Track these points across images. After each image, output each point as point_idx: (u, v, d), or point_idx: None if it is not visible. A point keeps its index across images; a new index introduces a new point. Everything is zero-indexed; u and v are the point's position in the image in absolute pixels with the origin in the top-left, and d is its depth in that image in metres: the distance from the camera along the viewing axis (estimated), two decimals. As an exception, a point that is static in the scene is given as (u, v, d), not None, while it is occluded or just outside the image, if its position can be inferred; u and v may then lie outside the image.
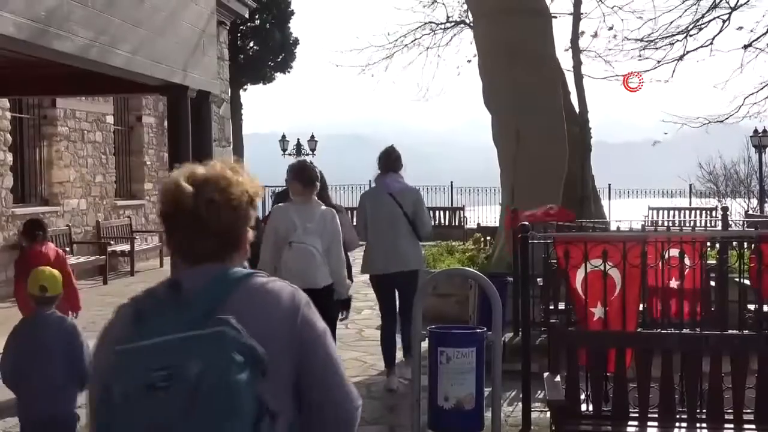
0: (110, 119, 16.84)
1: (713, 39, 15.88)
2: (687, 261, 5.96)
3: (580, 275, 5.74)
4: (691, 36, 15.80)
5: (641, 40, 16.02)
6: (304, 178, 6.18)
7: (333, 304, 6.15)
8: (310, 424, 2.04)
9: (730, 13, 15.72)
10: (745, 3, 15.72)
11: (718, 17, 15.75)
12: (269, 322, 1.96)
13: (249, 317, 1.88)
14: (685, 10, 15.82)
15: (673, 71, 16.21)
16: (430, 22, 21.06)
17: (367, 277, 7.86)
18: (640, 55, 16.22)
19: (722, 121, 16.58)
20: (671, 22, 15.92)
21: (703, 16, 15.68)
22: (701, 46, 15.96)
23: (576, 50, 17.24)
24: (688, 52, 15.81)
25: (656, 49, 16.05)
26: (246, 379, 1.77)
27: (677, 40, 15.90)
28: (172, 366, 1.76)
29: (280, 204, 6.41)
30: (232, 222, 2.05)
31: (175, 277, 2.10)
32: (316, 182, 6.21)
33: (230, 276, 2.01)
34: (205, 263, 2.04)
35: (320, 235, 6.03)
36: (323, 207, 6.25)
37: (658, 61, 16.02)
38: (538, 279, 7.87)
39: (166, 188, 2.06)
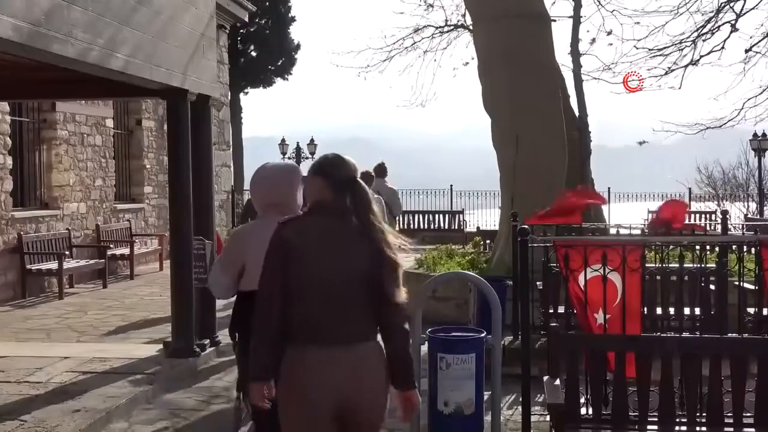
0: (110, 123, 16.83)
1: (724, 43, 15.85)
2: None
3: (581, 281, 5.73)
4: (704, 41, 15.76)
5: (650, 49, 15.98)
6: (363, 178, 9.86)
7: None
8: None
9: (736, 19, 15.70)
10: (751, 9, 15.71)
11: (726, 22, 15.72)
12: None
13: None
14: (691, 15, 15.80)
15: (682, 78, 16.17)
16: (429, 26, 21.05)
17: None
18: (649, 68, 16.16)
19: (720, 127, 16.56)
20: (682, 34, 15.86)
21: (708, 22, 15.66)
22: (712, 51, 15.92)
23: (576, 54, 17.25)
24: (702, 56, 15.76)
25: (665, 56, 16.00)
26: None
27: (686, 46, 15.87)
28: None
29: None
30: None
31: None
32: (368, 179, 9.91)
33: None
34: None
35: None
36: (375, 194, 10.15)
37: (669, 68, 15.97)
38: (538, 282, 7.87)
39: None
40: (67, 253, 14.26)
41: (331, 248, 3.52)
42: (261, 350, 3.50)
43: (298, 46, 34.34)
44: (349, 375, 3.46)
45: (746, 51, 16.07)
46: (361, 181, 3.68)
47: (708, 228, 17.61)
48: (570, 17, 17.73)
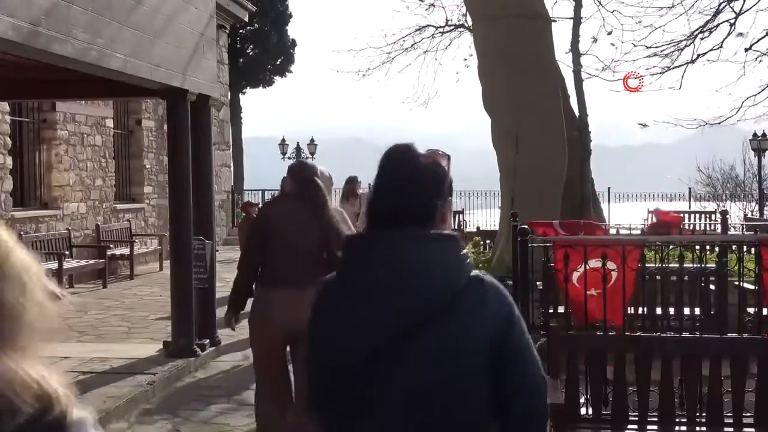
0: (110, 123, 16.83)
1: (722, 42, 15.83)
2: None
3: (576, 275, 5.75)
4: (703, 39, 15.75)
5: (649, 47, 15.97)
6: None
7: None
8: None
9: (736, 18, 15.69)
10: (750, 8, 15.70)
11: (725, 21, 15.71)
12: None
13: None
14: (690, 16, 15.82)
15: (682, 76, 16.15)
16: (429, 25, 21.04)
17: None
18: (648, 67, 16.15)
19: (719, 124, 16.54)
20: (681, 33, 15.84)
21: (708, 22, 15.65)
22: (711, 50, 15.90)
23: (576, 54, 17.23)
24: (700, 55, 15.74)
25: (665, 56, 15.99)
26: None
27: (686, 46, 15.85)
28: None
29: None
30: None
31: None
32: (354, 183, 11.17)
33: None
34: None
35: None
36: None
37: (668, 67, 15.95)
38: (538, 282, 7.86)
39: None
40: (66, 253, 14.26)
41: (294, 222, 5.24)
42: (238, 291, 5.48)
43: (294, 43, 34.33)
44: (300, 308, 5.24)
45: (746, 50, 16.06)
46: (318, 180, 5.30)
47: (708, 228, 17.62)
48: (570, 18, 17.72)
